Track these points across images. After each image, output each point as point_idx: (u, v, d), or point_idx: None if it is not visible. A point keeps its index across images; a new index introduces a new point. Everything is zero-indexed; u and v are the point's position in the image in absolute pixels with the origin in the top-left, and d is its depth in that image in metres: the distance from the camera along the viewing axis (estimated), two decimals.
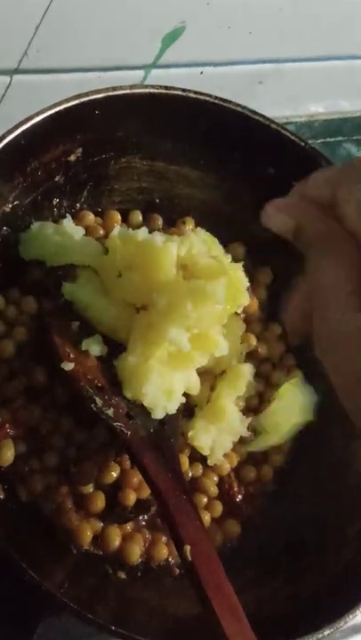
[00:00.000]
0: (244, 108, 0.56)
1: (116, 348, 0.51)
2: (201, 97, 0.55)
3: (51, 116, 0.49)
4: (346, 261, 0.31)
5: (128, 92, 0.52)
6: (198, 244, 0.52)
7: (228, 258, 0.52)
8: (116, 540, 0.49)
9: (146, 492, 0.50)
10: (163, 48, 0.63)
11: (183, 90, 0.54)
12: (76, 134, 0.52)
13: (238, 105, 0.56)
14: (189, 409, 0.53)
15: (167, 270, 0.50)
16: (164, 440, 0.49)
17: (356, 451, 0.56)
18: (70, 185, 0.55)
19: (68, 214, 0.55)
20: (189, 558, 0.44)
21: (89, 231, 0.56)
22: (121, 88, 0.52)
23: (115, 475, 0.50)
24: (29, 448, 0.50)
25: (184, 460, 0.52)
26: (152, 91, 0.54)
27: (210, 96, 0.55)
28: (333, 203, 0.32)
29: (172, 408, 0.50)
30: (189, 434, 0.52)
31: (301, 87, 0.76)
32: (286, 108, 0.77)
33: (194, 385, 0.52)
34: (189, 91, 0.54)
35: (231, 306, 0.50)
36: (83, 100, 0.50)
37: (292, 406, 0.56)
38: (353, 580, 0.49)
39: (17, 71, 0.59)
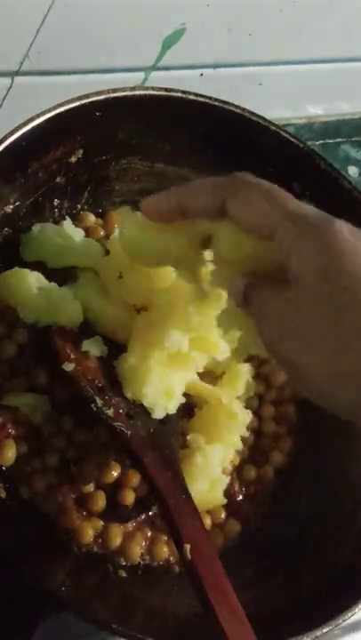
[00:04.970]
0: (243, 109, 0.56)
1: (116, 348, 0.51)
2: (201, 99, 0.55)
3: (52, 117, 0.49)
4: None
5: (128, 93, 0.53)
6: None
7: None
8: (116, 538, 0.49)
9: (146, 492, 0.51)
10: (163, 50, 0.63)
11: (183, 92, 0.55)
12: (76, 136, 0.53)
13: (238, 107, 0.56)
14: (189, 409, 0.54)
15: (167, 272, 0.50)
16: (164, 440, 0.49)
17: (356, 451, 0.56)
18: (71, 186, 0.55)
19: (67, 216, 0.55)
20: (189, 557, 0.44)
21: (90, 232, 0.56)
22: (121, 90, 0.52)
23: (115, 474, 0.50)
24: (31, 448, 0.50)
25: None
26: (152, 92, 0.54)
27: (210, 98, 0.55)
28: (221, 207, 0.38)
29: (172, 408, 0.50)
30: (189, 436, 0.52)
31: (301, 89, 0.76)
32: (286, 109, 0.78)
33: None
34: (189, 92, 0.55)
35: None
36: (83, 101, 0.50)
37: None
38: (352, 579, 0.49)
39: (18, 73, 0.59)
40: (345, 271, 0.34)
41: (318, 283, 0.34)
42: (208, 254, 0.43)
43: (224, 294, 0.43)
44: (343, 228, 0.35)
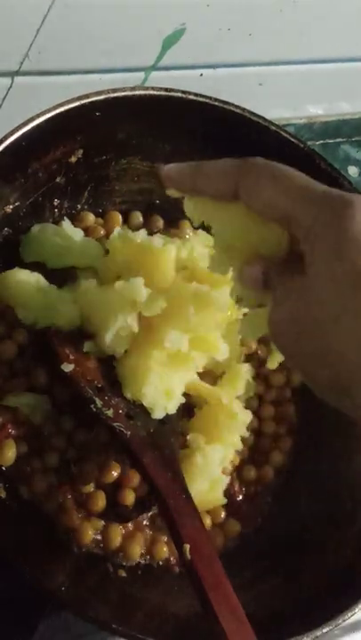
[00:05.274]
0: (243, 109, 0.56)
1: None
2: (201, 99, 0.55)
3: (52, 117, 0.49)
4: None
5: (129, 93, 0.53)
6: (199, 246, 0.52)
7: None
8: (116, 538, 0.49)
9: (146, 492, 0.51)
10: (163, 50, 0.63)
11: (183, 92, 0.55)
12: (76, 136, 0.53)
13: (238, 107, 0.56)
14: (189, 409, 0.54)
15: (166, 272, 0.50)
16: (163, 440, 0.49)
17: (356, 450, 0.56)
18: (71, 186, 0.55)
19: (67, 217, 0.55)
20: (189, 557, 0.44)
21: (90, 232, 0.56)
22: (121, 90, 0.52)
23: (115, 474, 0.50)
24: (31, 448, 0.50)
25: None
26: (152, 93, 0.54)
27: (210, 98, 0.55)
28: (235, 192, 0.36)
29: (172, 408, 0.50)
30: (189, 436, 0.52)
31: (301, 89, 0.76)
32: (286, 109, 0.78)
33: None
34: (189, 92, 0.55)
35: (232, 313, 0.50)
36: (83, 101, 0.50)
37: None
38: (352, 579, 0.49)
39: (18, 73, 0.59)
40: (353, 256, 0.32)
41: (328, 266, 0.33)
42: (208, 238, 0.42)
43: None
44: (359, 213, 0.33)
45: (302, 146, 0.58)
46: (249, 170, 0.36)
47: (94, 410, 0.48)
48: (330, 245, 0.33)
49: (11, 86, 0.60)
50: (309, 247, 0.34)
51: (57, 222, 0.54)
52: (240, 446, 0.54)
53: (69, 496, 0.49)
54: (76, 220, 0.56)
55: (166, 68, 0.65)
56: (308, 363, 0.35)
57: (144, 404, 0.49)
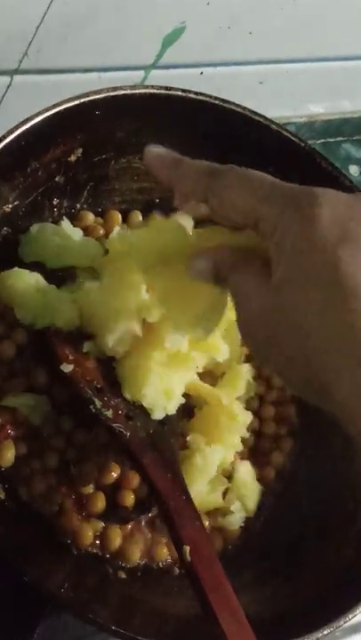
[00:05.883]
0: (244, 108, 0.56)
1: None
2: (201, 97, 0.55)
3: (51, 116, 0.49)
4: None
5: (128, 92, 0.53)
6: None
7: None
8: (116, 540, 0.49)
9: (146, 493, 0.50)
10: (163, 48, 0.63)
11: (183, 90, 0.54)
12: (76, 134, 0.52)
13: (238, 105, 0.56)
14: (189, 409, 0.53)
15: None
16: (163, 441, 0.49)
17: (356, 451, 0.56)
18: (71, 185, 0.55)
19: (65, 217, 0.55)
20: (189, 559, 0.43)
21: (89, 231, 0.56)
22: (121, 88, 0.52)
23: (115, 475, 0.50)
24: (30, 449, 0.50)
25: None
26: (152, 91, 0.54)
27: (210, 96, 0.55)
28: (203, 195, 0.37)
29: (172, 408, 0.50)
30: (189, 437, 0.52)
31: (302, 87, 0.76)
32: (287, 108, 0.77)
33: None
34: (189, 91, 0.55)
35: (232, 313, 0.50)
36: (83, 100, 0.50)
37: None
38: (353, 580, 0.49)
39: (17, 71, 0.59)
40: (321, 254, 0.32)
41: (296, 265, 0.32)
42: None
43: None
44: (324, 208, 0.32)
45: (303, 145, 0.57)
46: (219, 175, 0.36)
47: (94, 410, 0.48)
48: (297, 244, 0.32)
49: (10, 85, 0.60)
50: (276, 248, 0.33)
51: (56, 222, 0.54)
52: (240, 447, 0.54)
53: (69, 497, 0.49)
54: (75, 220, 0.55)
55: (166, 67, 0.65)
56: (282, 363, 0.35)
57: (144, 404, 0.49)
